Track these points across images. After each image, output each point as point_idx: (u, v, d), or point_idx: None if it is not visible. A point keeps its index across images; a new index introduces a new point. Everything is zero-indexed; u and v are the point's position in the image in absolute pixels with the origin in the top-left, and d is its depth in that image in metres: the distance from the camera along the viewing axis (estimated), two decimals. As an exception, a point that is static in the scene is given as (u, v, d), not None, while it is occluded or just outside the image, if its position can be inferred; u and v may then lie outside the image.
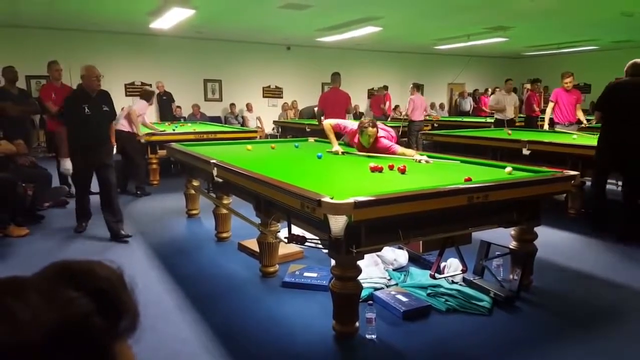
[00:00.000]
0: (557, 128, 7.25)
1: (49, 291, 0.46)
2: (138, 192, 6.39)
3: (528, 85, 10.02)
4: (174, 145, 5.23)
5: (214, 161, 3.76)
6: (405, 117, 9.60)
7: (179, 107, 11.82)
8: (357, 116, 13.54)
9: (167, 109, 11.29)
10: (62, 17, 9.49)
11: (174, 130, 7.78)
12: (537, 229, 3.28)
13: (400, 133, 8.61)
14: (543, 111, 8.52)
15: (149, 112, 11.75)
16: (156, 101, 11.62)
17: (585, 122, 7.31)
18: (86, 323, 0.45)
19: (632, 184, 4.46)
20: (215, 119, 12.06)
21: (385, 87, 12.62)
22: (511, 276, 3.27)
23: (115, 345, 0.48)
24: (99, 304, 0.47)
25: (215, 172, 3.69)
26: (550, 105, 7.31)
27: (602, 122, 4.56)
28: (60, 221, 5.14)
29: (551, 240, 4.26)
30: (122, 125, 6.38)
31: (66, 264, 0.51)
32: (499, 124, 8.50)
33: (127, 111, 6.50)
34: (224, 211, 4.33)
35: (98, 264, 0.52)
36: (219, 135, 7.06)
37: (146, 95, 7.05)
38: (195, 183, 5.04)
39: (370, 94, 14.61)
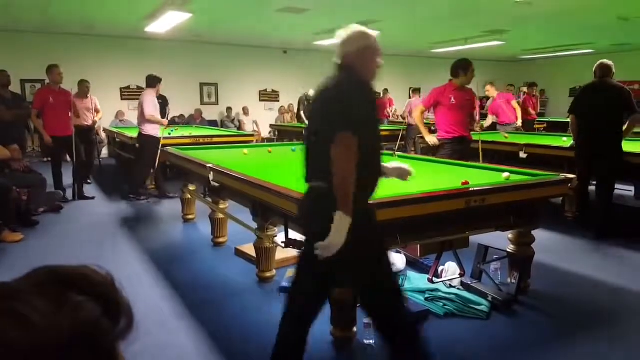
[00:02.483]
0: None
1: (55, 296, 0.47)
2: (131, 197, 6.34)
3: (525, 89, 10.05)
4: (169, 149, 5.21)
5: (210, 165, 3.74)
6: (402, 120, 9.60)
7: (182, 115, 11.85)
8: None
9: (162, 113, 11.21)
10: (57, 21, 9.47)
11: (169, 134, 7.75)
12: (534, 232, 3.27)
13: (400, 137, 8.63)
14: (539, 114, 8.59)
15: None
16: None
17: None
18: (97, 325, 0.47)
19: (601, 185, 4.59)
20: (212, 123, 12.04)
21: (386, 90, 12.65)
22: (509, 279, 3.26)
23: (118, 347, 0.50)
24: (102, 306, 0.49)
25: (211, 176, 3.67)
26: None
27: (575, 126, 4.66)
28: (55, 227, 5.11)
29: (548, 244, 4.25)
30: (143, 129, 6.26)
31: (58, 270, 0.51)
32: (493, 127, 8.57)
33: (140, 108, 6.33)
34: (221, 216, 4.31)
35: (89, 269, 0.53)
36: (215, 140, 7.03)
37: (149, 81, 6.48)
38: (192, 187, 5.02)
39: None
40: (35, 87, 10.06)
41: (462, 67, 4.70)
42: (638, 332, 2.81)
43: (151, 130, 6.25)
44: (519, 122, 8.08)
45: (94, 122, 7.38)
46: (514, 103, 8.26)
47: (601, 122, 4.42)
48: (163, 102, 11.11)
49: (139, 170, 6.51)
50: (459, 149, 4.71)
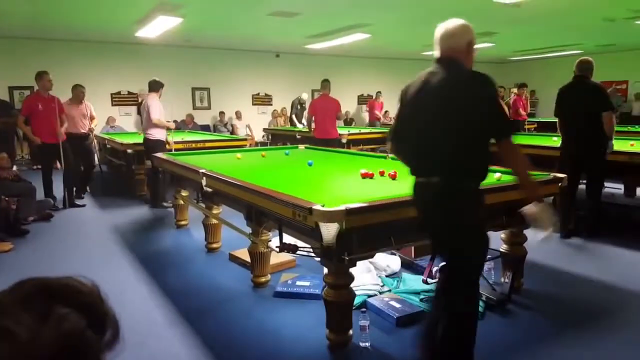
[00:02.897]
0: None
1: (40, 309, 0.47)
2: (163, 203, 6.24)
3: (515, 90, 10.15)
4: (161, 155, 5.19)
5: (202, 170, 3.73)
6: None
7: (175, 120, 11.79)
8: (348, 122, 13.59)
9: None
10: (46, 28, 9.41)
11: (182, 138, 7.69)
12: (526, 232, 3.29)
13: None
14: (530, 115, 8.65)
15: (133, 122, 11.74)
16: (137, 111, 11.52)
17: None
18: (82, 337, 0.47)
19: (590, 184, 4.62)
20: (204, 128, 12.01)
21: (379, 93, 12.75)
22: (502, 279, 3.28)
23: (104, 357, 0.50)
24: (87, 318, 0.48)
25: (204, 181, 3.66)
26: None
27: (560, 127, 4.72)
28: (46, 236, 5.06)
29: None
30: (149, 133, 6.16)
31: (43, 282, 0.51)
32: None
33: (145, 112, 6.21)
34: (214, 221, 4.30)
35: (74, 280, 0.53)
36: (208, 144, 7.01)
37: (153, 86, 6.31)
38: (184, 193, 5.00)
39: (363, 100, 14.68)
40: (24, 94, 9.97)
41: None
42: (629, 327, 2.84)
43: (157, 134, 6.19)
44: None
45: (91, 130, 7.06)
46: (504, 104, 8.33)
47: (581, 122, 4.44)
48: None
49: (154, 178, 6.35)
50: None
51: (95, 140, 9.69)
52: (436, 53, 2.15)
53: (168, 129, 6.35)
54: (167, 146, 6.30)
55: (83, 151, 6.84)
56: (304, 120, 10.53)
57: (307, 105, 10.95)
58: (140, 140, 6.72)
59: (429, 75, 2.12)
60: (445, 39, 2.11)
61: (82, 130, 6.76)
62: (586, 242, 4.42)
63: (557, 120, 4.78)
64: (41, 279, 0.51)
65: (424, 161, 2.13)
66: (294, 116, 11.15)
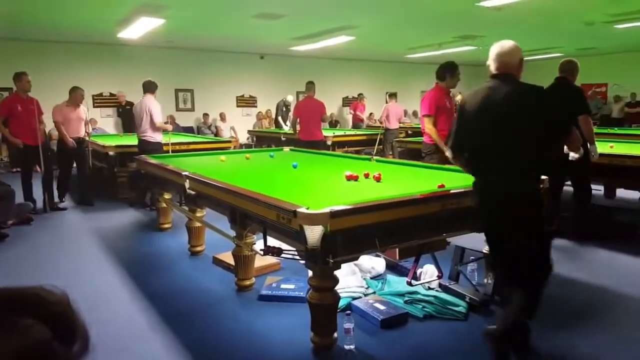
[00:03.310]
0: None
1: (4, 320, 0.45)
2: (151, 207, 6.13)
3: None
4: (144, 157, 5.13)
5: (185, 173, 3.70)
6: (380, 124, 9.68)
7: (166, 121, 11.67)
8: (333, 124, 13.61)
9: (132, 120, 10.94)
10: (25, 28, 9.24)
11: (169, 139, 7.60)
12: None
13: (377, 141, 8.71)
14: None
15: (113, 124, 11.59)
16: (117, 113, 11.38)
17: None
18: (48, 349, 0.45)
19: (578, 188, 4.65)
20: (188, 130, 11.91)
21: (361, 95, 12.80)
22: (485, 280, 3.30)
23: None
24: (54, 329, 0.47)
25: (187, 184, 3.63)
26: None
27: None
28: (25, 240, 4.96)
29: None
30: (149, 136, 6.09)
31: (10, 292, 0.49)
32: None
33: (148, 116, 6.06)
34: (198, 224, 4.26)
35: (43, 290, 0.51)
36: (191, 146, 6.95)
37: (150, 87, 6.20)
38: (167, 196, 4.95)
39: (348, 102, 14.71)
40: (2, 95, 9.78)
41: (449, 70, 4.70)
42: (613, 326, 2.88)
43: (157, 137, 6.18)
44: None
45: (88, 134, 6.74)
46: None
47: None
48: (132, 109, 10.96)
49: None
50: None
51: (89, 146, 9.54)
52: (492, 69, 2.48)
53: (164, 130, 6.31)
54: (164, 148, 6.26)
55: (78, 156, 6.61)
56: (289, 122, 10.56)
57: (292, 107, 10.97)
58: (123, 143, 6.65)
59: (489, 90, 2.42)
60: (501, 57, 2.44)
61: (79, 134, 6.49)
62: (569, 243, 4.48)
63: None
64: (7, 289, 0.49)
65: (502, 162, 2.41)
66: (279, 118, 11.13)
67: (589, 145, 4.30)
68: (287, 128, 10.24)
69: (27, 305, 0.48)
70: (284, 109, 11.16)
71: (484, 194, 2.48)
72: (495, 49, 2.46)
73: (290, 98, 11.26)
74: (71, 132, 6.39)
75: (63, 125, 6.28)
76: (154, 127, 6.08)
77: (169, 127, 6.44)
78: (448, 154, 2.71)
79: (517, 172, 2.39)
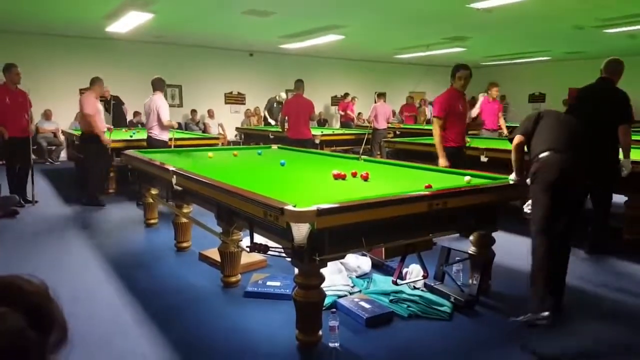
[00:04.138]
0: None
1: None
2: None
3: (485, 95, 10.36)
4: (131, 152, 5.09)
5: (173, 169, 3.68)
6: (368, 124, 9.72)
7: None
8: (321, 123, 13.61)
9: (120, 115, 10.82)
10: (12, 20, 9.10)
11: (131, 137, 7.56)
12: (494, 234, 3.36)
13: (365, 141, 8.75)
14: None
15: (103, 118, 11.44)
16: (105, 108, 11.25)
17: (506, 131, 7.79)
18: (21, 337, 0.45)
19: (597, 200, 4.26)
20: (176, 126, 11.81)
21: (346, 94, 12.82)
22: (470, 281, 3.33)
23: (49, 359, 0.48)
24: (30, 318, 0.46)
25: (174, 180, 3.61)
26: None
27: None
28: (10, 233, 4.90)
29: (508, 245, 4.37)
30: (156, 133, 6.14)
31: None
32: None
33: (155, 114, 6.06)
34: (184, 220, 4.24)
35: (20, 278, 0.51)
36: (179, 142, 6.90)
37: (159, 85, 6.21)
38: (154, 191, 4.91)
39: (337, 101, 14.72)
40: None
41: (453, 71, 4.62)
42: (594, 326, 2.92)
43: (164, 135, 6.26)
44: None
45: (110, 129, 6.55)
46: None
47: (597, 131, 3.85)
48: (118, 103, 10.85)
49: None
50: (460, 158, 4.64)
51: (62, 137, 9.39)
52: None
53: (172, 128, 6.40)
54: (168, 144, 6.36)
55: (103, 151, 6.33)
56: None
57: (281, 103, 11.06)
58: (110, 137, 6.59)
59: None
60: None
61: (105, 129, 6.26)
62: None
63: None
64: None
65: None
66: (266, 112, 11.20)
67: (622, 157, 3.99)
68: (273, 122, 10.46)
69: (2, 292, 0.47)
70: (275, 105, 11.21)
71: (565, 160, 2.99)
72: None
73: (284, 96, 11.29)
74: (102, 126, 6.20)
75: (96, 118, 6.05)
76: (162, 126, 6.14)
77: (175, 124, 6.48)
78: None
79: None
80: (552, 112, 3.29)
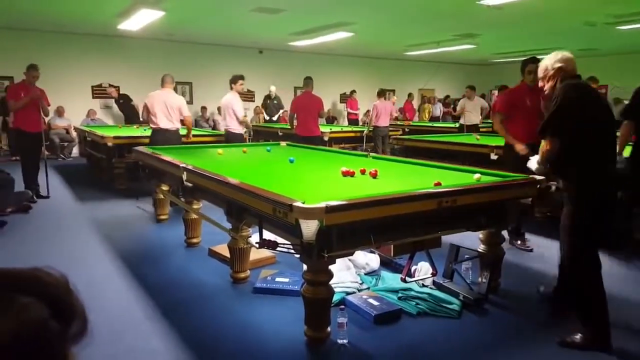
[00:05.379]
0: None
1: (1, 298, 0.46)
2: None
3: (496, 92, 10.30)
4: (142, 148, 5.13)
5: (183, 165, 3.70)
6: (367, 123, 9.70)
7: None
8: (330, 120, 13.60)
9: (131, 112, 10.86)
10: (25, 18, 9.20)
11: (142, 133, 7.59)
12: (504, 232, 3.34)
13: (365, 138, 8.76)
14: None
15: (112, 115, 11.55)
16: (117, 106, 11.33)
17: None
18: (44, 328, 0.46)
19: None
20: (186, 122, 11.88)
21: (353, 91, 12.84)
22: (480, 279, 3.32)
23: (69, 350, 0.49)
24: (52, 309, 0.47)
25: (184, 176, 3.63)
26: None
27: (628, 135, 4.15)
28: (24, 227, 4.97)
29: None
30: (232, 127, 6.58)
31: (7, 271, 0.50)
32: (461, 129, 8.72)
33: (230, 110, 6.58)
34: (194, 216, 4.27)
35: (41, 271, 0.52)
36: (189, 139, 6.93)
37: (233, 80, 6.82)
38: (165, 187, 4.95)
39: (346, 98, 14.70)
40: (3, 83, 9.77)
41: (526, 64, 4.37)
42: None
43: (240, 129, 6.72)
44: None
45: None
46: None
47: None
48: (126, 101, 10.91)
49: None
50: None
51: (74, 133, 9.48)
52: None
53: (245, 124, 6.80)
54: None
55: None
56: (275, 117, 10.93)
57: (275, 98, 11.24)
58: (121, 134, 6.70)
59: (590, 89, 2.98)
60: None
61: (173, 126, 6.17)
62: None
63: (630, 123, 4.09)
64: (5, 269, 0.50)
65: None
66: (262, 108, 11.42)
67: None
68: (267, 117, 11.06)
69: (24, 284, 0.48)
70: (267, 101, 11.36)
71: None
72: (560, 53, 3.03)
73: (273, 88, 11.41)
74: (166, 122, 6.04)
75: (156, 114, 6.03)
76: (238, 121, 6.60)
77: (248, 121, 6.93)
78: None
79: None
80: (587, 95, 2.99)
